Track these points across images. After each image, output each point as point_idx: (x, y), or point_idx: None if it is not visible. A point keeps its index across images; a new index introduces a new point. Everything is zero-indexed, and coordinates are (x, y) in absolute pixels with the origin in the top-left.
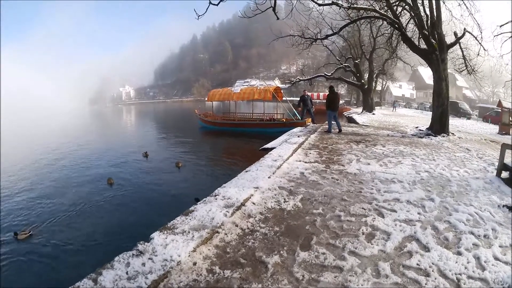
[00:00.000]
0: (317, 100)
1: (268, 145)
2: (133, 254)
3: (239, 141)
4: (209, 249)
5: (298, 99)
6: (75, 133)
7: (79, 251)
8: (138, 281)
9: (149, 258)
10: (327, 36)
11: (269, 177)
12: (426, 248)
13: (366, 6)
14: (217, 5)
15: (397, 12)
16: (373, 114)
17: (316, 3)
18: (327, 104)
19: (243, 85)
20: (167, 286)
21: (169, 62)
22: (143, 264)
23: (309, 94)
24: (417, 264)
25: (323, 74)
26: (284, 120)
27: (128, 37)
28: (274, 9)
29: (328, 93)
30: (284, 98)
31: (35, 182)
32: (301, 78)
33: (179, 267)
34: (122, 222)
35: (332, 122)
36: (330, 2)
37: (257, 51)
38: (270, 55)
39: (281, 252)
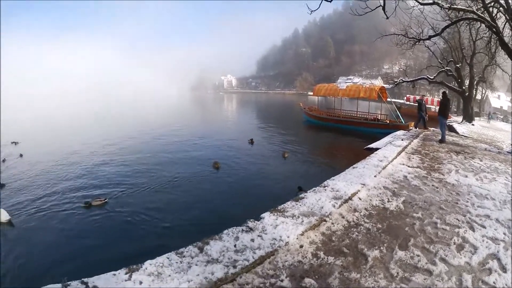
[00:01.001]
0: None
1: (373, 145)
2: (242, 230)
3: (343, 138)
4: (315, 235)
5: (402, 101)
6: (183, 116)
7: (177, 225)
8: (245, 255)
9: (258, 235)
10: (430, 37)
11: (375, 176)
12: (504, 269)
13: (464, 7)
14: (330, 1)
15: (493, 14)
16: (472, 125)
17: (417, 1)
18: (441, 110)
19: (346, 82)
20: (273, 263)
21: (271, 54)
22: (252, 240)
23: (425, 98)
24: (494, 283)
25: (426, 77)
26: (388, 122)
27: (231, 28)
28: (383, 8)
29: (441, 98)
30: (388, 99)
31: (148, 154)
32: (404, 79)
33: (286, 247)
34: (224, 201)
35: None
36: (431, 1)
37: (359, 48)
38: (372, 53)
39: (381, 248)
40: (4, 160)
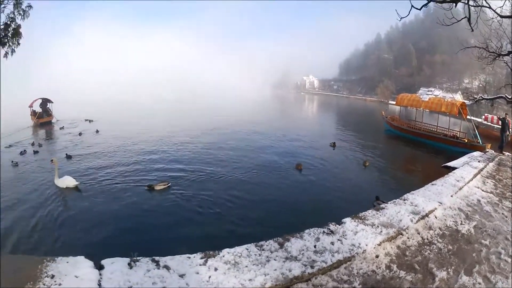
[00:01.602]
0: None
1: (451, 164)
2: (323, 231)
3: (421, 151)
4: (391, 247)
5: (480, 119)
6: (265, 112)
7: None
8: (324, 257)
9: (338, 239)
10: (509, 53)
11: (451, 196)
12: None
13: None
14: (420, 9)
15: None
16: None
17: (498, 14)
18: None
19: (427, 94)
20: (348, 269)
21: (353, 58)
22: (332, 243)
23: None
24: None
25: (504, 96)
26: (466, 141)
27: (315, 28)
28: (469, 20)
29: None
30: (468, 116)
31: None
32: (484, 97)
33: (363, 255)
34: (305, 201)
35: None
36: (510, 14)
37: (441, 58)
38: (453, 64)
39: (449, 269)
40: (80, 134)
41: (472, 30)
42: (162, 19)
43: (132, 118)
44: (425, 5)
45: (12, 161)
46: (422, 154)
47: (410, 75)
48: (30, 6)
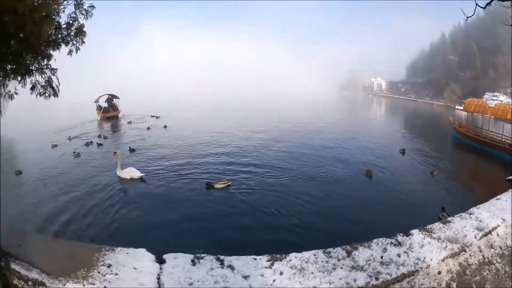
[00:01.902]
0: None
1: None
2: (391, 242)
3: (485, 162)
4: (454, 264)
5: None
6: (337, 114)
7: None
8: (389, 269)
9: (404, 252)
10: None
11: None
12: None
13: None
14: (484, 8)
15: None
16: None
17: None
18: None
19: (492, 99)
20: (411, 283)
21: (420, 60)
22: (398, 255)
23: None
24: None
25: None
26: None
27: (382, 30)
28: None
29: None
30: None
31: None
32: None
33: (426, 270)
34: (373, 208)
35: None
36: None
37: (504, 60)
38: None
39: None
40: (149, 128)
41: None
42: (230, 20)
43: (200, 116)
44: (489, 3)
45: (74, 152)
46: (487, 164)
47: (475, 78)
48: (92, 6)
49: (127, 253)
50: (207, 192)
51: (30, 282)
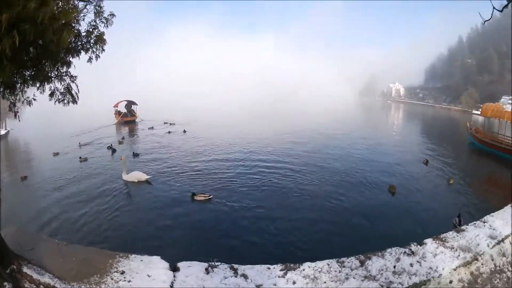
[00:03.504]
0: None
1: None
2: (404, 252)
3: (502, 168)
4: (465, 273)
5: None
6: (358, 124)
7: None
8: (402, 278)
9: (417, 261)
10: None
11: None
12: None
13: None
14: (501, 11)
15: None
16: None
17: None
18: None
19: (509, 103)
20: None
21: (438, 64)
22: (411, 265)
23: None
24: None
25: None
26: None
27: (401, 34)
28: None
29: None
30: None
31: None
32: None
33: (438, 279)
34: (388, 217)
35: None
36: None
37: None
38: None
39: None
40: (169, 132)
41: None
42: (252, 29)
43: (218, 123)
44: (506, 6)
45: (80, 157)
46: (504, 170)
47: (492, 82)
48: (113, 15)
49: (141, 260)
50: (222, 200)
51: (41, 287)
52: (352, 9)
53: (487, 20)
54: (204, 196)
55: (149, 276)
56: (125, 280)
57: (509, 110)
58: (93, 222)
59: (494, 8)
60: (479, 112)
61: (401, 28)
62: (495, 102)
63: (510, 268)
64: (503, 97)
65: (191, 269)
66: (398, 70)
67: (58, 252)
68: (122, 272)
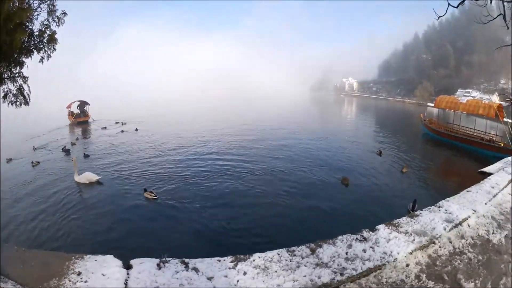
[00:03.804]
0: None
1: (486, 169)
2: (356, 238)
3: (457, 156)
4: (422, 256)
5: None
6: (310, 118)
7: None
8: (355, 264)
9: (370, 247)
10: None
11: (485, 203)
12: None
13: None
14: (456, 7)
15: None
16: None
17: None
18: None
19: (464, 95)
20: (377, 277)
21: (392, 59)
22: (364, 251)
23: None
24: None
25: None
26: (502, 145)
27: (354, 31)
28: (504, 17)
29: None
30: (504, 119)
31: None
32: None
33: (393, 264)
34: (341, 208)
35: None
36: None
37: (478, 58)
38: (490, 64)
39: (476, 281)
40: (122, 131)
41: (508, 28)
42: (205, 28)
43: (171, 120)
44: (461, 2)
45: (33, 162)
46: (458, 158)
47: (448, 76)
48: (65, 13)
49: (96, 260)
50: (172, 196)
51: None
52: (307, 7)
53: (441, 16)
54: (151, 195)
55: (103, 275)
56: (81, 281)
57: (464, 102)
58: (48, 225)
59: (449, 4)
60: (433, 104)
61: (357, 27)
62: (450, 95)
63: (471, 250)
64: (459, 90)
65: (143, 266)
66: (352, 66)
67: (18, 258)
68: (79, 273)
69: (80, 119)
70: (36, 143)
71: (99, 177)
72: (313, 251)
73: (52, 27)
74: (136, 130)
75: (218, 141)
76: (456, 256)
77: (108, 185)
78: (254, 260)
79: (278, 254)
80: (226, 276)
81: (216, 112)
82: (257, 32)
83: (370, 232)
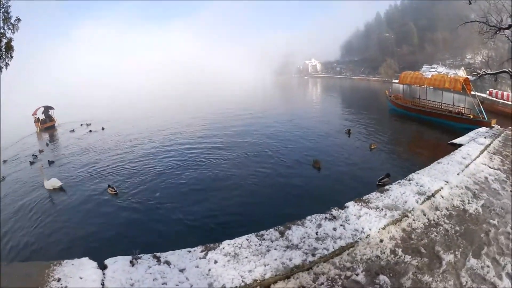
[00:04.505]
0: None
1: (457, 141)
2: (326, 217)
3: (426, 129)
4: (396, 231)
5: (485, 95)
6: (272, 101)
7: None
8: (326, 244)
9: (340, 225)
10: (510, 26)
11: (458, 174)
12: None
13: None
14: None
15: None
16: None
17: None
18: None
19: (430, 71)
20: (351, 255)
21: (354, 39)
22: (334, 229)
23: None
24: None
25: (508, 71)
26: (471, 117)
27: (311, 13)
28: None
29: None
30: (472, 92)
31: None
32: (487, 72)
33: (367, 240)
34: (310, 188)
35: None
36: None
37: (442, 35)
38: (455, 40)
39: (456, 252)
40: (90, 131)
41: (470, 3)
42: (161, 20)
43: (136, 116)
44: None
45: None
46: (427, 132)
47: (412, 53)
48: (18, 19)
49: (73, 264)
50: (138, 193)
51: None
52: None
53: None
54: (111, 191)
55: (81, 278)
56: (62, 287)
57: (429, 77)
58: (22, 236)
59: None
60: (398, 81)
61: (317, 9)
62: (414, 71)
63: (446, 221)
64: (424, 66)
65: (117, 264)
66: (314, 48)
67: (4, 274)
68: (58, 280)
69: (46, 124)
70: (4, 155)
71: (61, 183)
72: (282, 234)
73: (7, 34)
74: (103, 129)
75: (186, 131)
76: (432, 228)
77: (77, 188)
78: (223, 248)
79: (247, 240)
80: (197, 267)
81: (184, 103)
82: (217, 22)
83: (340, 210)
